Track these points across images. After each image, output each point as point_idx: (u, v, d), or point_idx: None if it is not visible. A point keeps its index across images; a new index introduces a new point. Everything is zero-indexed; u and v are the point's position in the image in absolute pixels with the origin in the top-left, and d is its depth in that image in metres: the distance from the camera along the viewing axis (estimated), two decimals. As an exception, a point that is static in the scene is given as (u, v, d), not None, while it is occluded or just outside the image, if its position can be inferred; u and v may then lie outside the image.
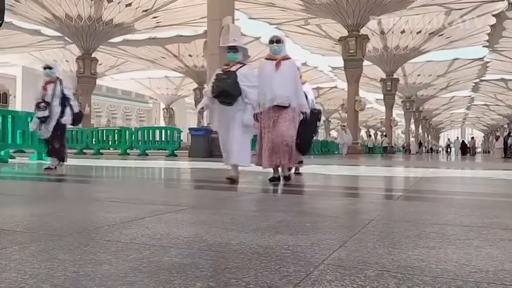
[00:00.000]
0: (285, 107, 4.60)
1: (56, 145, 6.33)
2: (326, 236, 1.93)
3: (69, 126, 6.68)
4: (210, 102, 4.80)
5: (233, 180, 4.59)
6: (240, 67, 4.68)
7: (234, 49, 4.79)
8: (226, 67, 4.78)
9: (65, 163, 6.53)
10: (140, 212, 2.56)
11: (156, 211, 2.60)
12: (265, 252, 1.61)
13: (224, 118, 4.68)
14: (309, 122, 4.82)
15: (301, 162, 5.82)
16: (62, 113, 6.28)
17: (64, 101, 6.34)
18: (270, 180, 4.76)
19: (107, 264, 1.42)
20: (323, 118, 68.45)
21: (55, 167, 6.36)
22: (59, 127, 6.31)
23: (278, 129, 4.53)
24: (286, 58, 4.84)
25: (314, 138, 5.26)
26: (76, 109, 6.51)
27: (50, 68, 6.51)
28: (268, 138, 4.59)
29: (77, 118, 6.55)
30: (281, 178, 4.81)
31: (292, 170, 5.71)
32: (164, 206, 2.86)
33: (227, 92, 4.50)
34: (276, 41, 4.84)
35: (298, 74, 4.96)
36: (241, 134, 4.61)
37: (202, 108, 4.94)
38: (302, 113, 4.72)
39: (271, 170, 4.86)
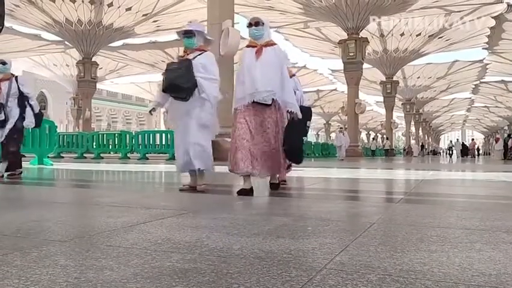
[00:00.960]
0: (269, 105, 3.83)
1: (11, 149, 5.61)
2: (328, 240, 1.92)
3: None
4: (163, 99, 4.18)
5: (193, 188, 4.08)
6: (198, 55, 4.04)
7: (189, 34, 4.09)
8: (182, 56, 4.14)
9: (21, 169, 5.88)
10: (141, 216, 2.55)
11: (157, 215, 2.59)
12: (267, 257, 1.61)
13: (179, 116, 4.08)
14: (297, 122, 3.99)
15: (289, 167, 4.93)
16: (22, 114, 5.64)
17: (23, 100, 5.69)
18: (239, 193, 3.79)
19: (109, 270, 1.41)
20: (322, 121, 68.64)
21: (2, 175, 5.58)
22: (17, 130, 5.65)
23: (265, 136, 3.83)
24: (270, 44, 3.97)
25: (305, 139, 4.43)
26: (37, 109, 5.87)
27: (3, 63, 5.81)
28: (255, 141, 3.82)
29: (38, 119, 5.90)
30: (254, 191, 3.91)
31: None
32: (165, 211, 2.85)
33: (176, 85, 3.89)
34: (254, 23, 3.96)
35: (285, 63, 4.05)
36: (199, 135, 3.99)
37: (154, 108, 4.32)
38: (290, 112, 3.92)
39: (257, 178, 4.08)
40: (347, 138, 22.20)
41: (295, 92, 4.38)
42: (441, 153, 61.12)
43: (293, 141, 3.91)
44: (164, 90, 4.02)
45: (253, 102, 3.80)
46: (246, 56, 3.96)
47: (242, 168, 3.75)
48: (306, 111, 4.36)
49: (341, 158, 20.10)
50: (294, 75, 4.96)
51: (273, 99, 3.84)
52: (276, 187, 4.24)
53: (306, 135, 4.47)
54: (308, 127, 4.61)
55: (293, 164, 4.83)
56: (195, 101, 3.96)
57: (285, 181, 4.88)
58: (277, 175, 4.28)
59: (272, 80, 3.80)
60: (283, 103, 3.90)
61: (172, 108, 4.21)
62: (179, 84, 3.88)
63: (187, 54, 4.09)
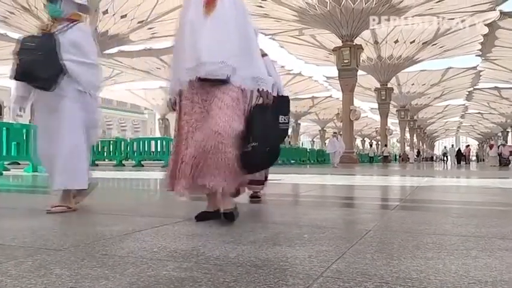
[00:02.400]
0: (222, 82, 2.48)
1: None
2: (324, 247, 1.92)
3: None
4: (24, 90, 3.07)
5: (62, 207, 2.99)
6: (67, 28, 3.02)
7: None
8: (45, 28, 3.03)
9: None
10: (137, 224, 2.54)
11: (152, 223, 2.58)
12: (263, 265, 1.60)
13: (43, 112, 3.06)
14: (271, 109, 2.62)
15: (265, 180, 3.89)
16: None
17: None
18: (197, 218, 2.61)
19: (104, 279, 1.40)
20: (317, 128, 68.62)
21: None
22: None
23: (209, 123, 2.42)
24: None
25: (286, 139, 3.41)
26: None
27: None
28: (192, 141, 2.47)
29: None
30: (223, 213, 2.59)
31: (243, 195, 3.40)
32: (161, 218, 2.84)
33: (30, 73, 2.82)
34: None
35: (250, 21, 2.69)
36: (68, 138, 2.94)
37: (21, 109, 3.14)
38: (260, 92, 2.59)
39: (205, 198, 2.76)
40: (342, 144, 20.47)
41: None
42: (435, 160, 61.39)
43: (267, 136, 2.51)
44: (15, 78, 2.89)
45: (199, 80, 2.48)
46: (189, 9, 2.59)
47: (181, 189, 2.51)
48: (283, 102, 3.05)
49: (334, 164, 18.44)
50: (265, 55, 3.75)
51: (229, 76, 2.48)
52: (231, 216, 2.55)
53: (286, 133, 3.13)
54: (288, 123, 3.27)
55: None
56: (62, 90, 2.91)
57: (259, 197, 3.94)
58: (237, 194, 2.98)
59: (228, 45, 2.49)
60: (252, 81, 2.56)
61: (36, 101, 3.11)
62: (35, 72, 2.80)
63: (52, 26, 3.03)
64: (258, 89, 2.58)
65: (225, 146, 2.37)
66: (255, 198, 3.94)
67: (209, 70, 2.45)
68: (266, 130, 2.51)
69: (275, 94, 3.28)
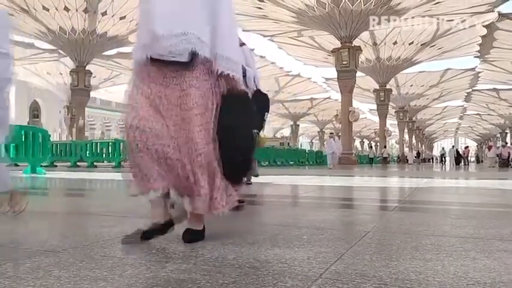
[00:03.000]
0: (186, 66, 1.92)
1: None
2: (323, 249, 1.92)
3: None
4: None
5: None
6: None
7: None
8: None
9: None
10: (135, 226, 2.53)
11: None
12: (262, 267, 1.60)
13: None
14: (240, 99, 2.04)
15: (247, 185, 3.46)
16: None
17: None
18: (144, 236, 2.01)
19: (103, 281, 1.40)
20: (316, 129, 68.70)
21: None
22: None
23: (185, 140, 1.91)
24: None
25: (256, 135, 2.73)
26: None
27: None
28: (150, 136, 1.89)
29: None
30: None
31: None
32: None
33: None
34: None
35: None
36: None
37: None
38: (223, 78, 1.99)
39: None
40: (339, 145, 19.90)
41: (244, 71, 2.99)
42: (434, 161, 61.44)
43: (240, 136, 1.96)
44: None
45: (153, 61, 1.93)
46: None
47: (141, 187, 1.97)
48: (262, 100, 3.03)
49: (330, 166, 17.56)
50: (243, 44, 3.34)
51: (195, 54, 1.90)
52: (198, 236, 2.06)
53: (258, 130, 2.81)
54: (265, 121, 3.22)
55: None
56: None
57: (242, 201, 3.05)
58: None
59: (195, 14, 1.93)
60: (224, 63, 1.96)
61: None
62: None
63: None
64: (223, 74, 1.96)
65: (200, 153, 1.89)
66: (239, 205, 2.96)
67: (168, 44, 1.86)
68: (235, 133, 1.91)
69: (254, 88, 3.20)
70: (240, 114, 1.95)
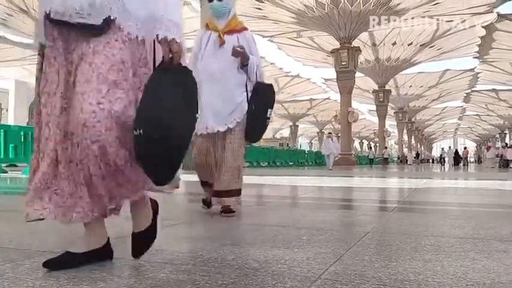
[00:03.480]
0: (92, 30, 1.45)
1: None
2: (322, 249, 1.92)
3: None
4: None
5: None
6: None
7: None
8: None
9: None
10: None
11: (151, 226, 2.57)
12: (261, 267, 1.60)
13: None
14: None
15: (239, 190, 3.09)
16: None
17: None
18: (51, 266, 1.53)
19: (102, 282, 1.40)
20: (315, 130, 68.63)
21: None
22: None
23: (73, 108, 1.43)
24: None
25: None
26: None
27: None
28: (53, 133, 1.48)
29: None
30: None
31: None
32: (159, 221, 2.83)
33: None
34: None
35: None
36: None
37: None
38: (160, 42, 1.52)
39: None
40: (337, 145, 19.30)
41: (248, 59, 2.91)
42: (433, 161, 61.46)
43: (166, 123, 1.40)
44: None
45: (51, 23, 1.54)
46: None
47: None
48: (265, 92, 2.76)
49: (329, 167, 17.13)
50: (245, 28, 3.13)
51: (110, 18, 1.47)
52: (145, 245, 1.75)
53: (264, 127, 2.79)
54: (269, 118, 2.88)
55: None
56: None
57: (232, 211, 3.02)
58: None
59: None
60: (150, 22, 1.53)
61: None
62: None
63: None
64: (158, 38, 1.51)
65: (98, 148, 1.40)
66: (227, 212, 3.01)
67: (65, 5, 1.45)
68: (158, 108, 1.40)
69: (257, 79, 2.94)
70: (172, 93, 1.44)
